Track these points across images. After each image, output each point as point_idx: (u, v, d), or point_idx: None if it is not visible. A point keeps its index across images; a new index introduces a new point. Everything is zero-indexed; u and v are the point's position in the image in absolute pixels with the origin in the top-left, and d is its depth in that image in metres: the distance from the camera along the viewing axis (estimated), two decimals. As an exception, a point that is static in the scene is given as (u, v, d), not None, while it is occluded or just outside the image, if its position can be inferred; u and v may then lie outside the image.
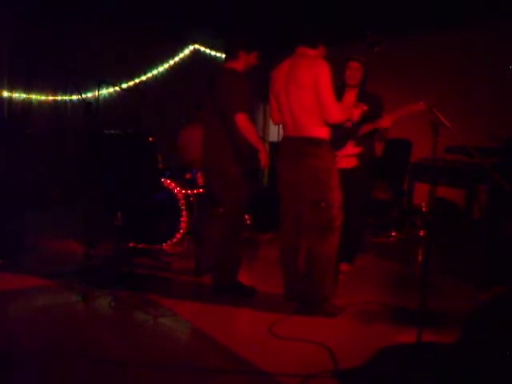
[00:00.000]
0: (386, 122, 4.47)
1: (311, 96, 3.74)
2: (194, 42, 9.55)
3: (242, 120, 4.05)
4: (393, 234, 6.85)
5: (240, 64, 4.26)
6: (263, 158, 4.19)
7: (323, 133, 3.85)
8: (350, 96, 4.68)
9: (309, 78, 3.73)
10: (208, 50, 9.73)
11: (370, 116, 4.46)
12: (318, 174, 3.84)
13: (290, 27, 7.30)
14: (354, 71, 4.67)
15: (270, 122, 10.01)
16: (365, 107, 4.16)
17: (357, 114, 4.09)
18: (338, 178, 3.93)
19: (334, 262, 4.03)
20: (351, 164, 4.65)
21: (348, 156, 4.62)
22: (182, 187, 5.78)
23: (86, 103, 4.45)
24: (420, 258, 5.92)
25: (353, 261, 4.98)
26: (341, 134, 4.44)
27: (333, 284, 4.12)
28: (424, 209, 6.68)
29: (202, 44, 9.65)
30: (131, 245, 5.50)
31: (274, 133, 9.24)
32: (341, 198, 3.93)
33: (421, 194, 6.57)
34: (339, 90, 4.62)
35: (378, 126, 4.52)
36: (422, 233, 6.61)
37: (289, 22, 7.52)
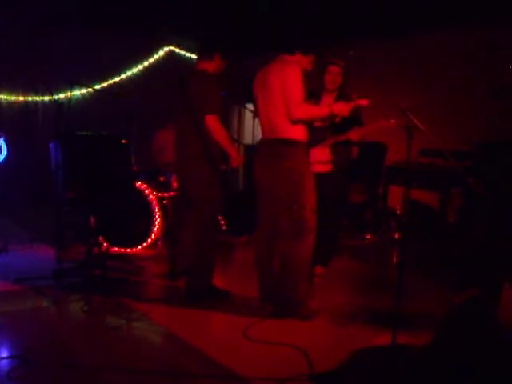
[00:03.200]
0: (354, 135, 4.56)
1: (280, 98, 3.81)
2: (169, 44, 9.52)
3: (212, 122, 4.05)
4: (368, 236, 6.89)
5: (212, 66, 4.26)
6: (234, 160, 4.20)
7: (298, 134, 3.87)
8: (328, 100, 4.66)
9: (278, 80, 3.81)
10: (183, 52, 9.70)
11: (348, 121, 4.45)
12: (291, 176, 3.85)
13: (268, 29, 7.36)
14: (334, 75, 4.66)
15: (245, 124, 10.12)
16: (364, 102, 4.03)
17: (348, 108, 3.94)
18: (311, 180, 3.94)
19: (309, 264, 4.03)
20: (326, 169, 4.67)
21: (322, 162, 4.63)
22: (156, 190, 5.76)
23: (57, 104, 4.40)
24: (395, 260, 5.96)
25: (328, 264, 4.99)
26: (316, 134, 4.44)
27: (308, 287, 4.11)
28: (399, 211, 6.74)
29: (176, 46, 9.63)
30: (104, 248, 5.46)
31: (249, 135, 9.25)
32: (314, 201, 3.94)
33: (396, 197, 6.63)
34: (317, 95, 4.67)
35: (344, 139, 4.59)
36: (396, 235, 6.66)
37: (264, 26, 7.57)
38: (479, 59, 6.43)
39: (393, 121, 4.17)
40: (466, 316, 2.64)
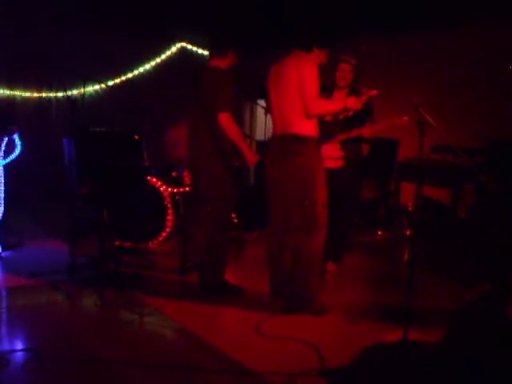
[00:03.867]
0: (366, 131, 4.57)
1: (296, 93, 3.81)
2: (180, 40, 9.53)
3: (225, 119, 4.05)
4: (379, 233, 6.88)
5: (225, 62, 4.27)
6: (248, 157, 4.19)
7: (309, 130, 3.88)
8: (340, 96, 4.64)
9: (294, 75, 3.81)
10: (195, 48, 9.71)
11: (359, 117, 4.48)
12: (302, 173, 3.87)
13: (279, 26, 7.35)
14: (345, 73, 4.66)
15: (257, 120, 10.12)
16: (373, 92, 4.03)
17: (361, 102, 3.96)
18: (323, 176, 3.96)
19: (321, 260, 4.04)
20: (337, 164, 4.66)
21: (333, 158, 4.62)
22: (168, 185, 5.78)
23: (71, 100, 4.44)
24: (406, 257, 5.96)
25: (340, 260, 4.99)
26: (327, 129, 4.44)
27: (319, 282, 4.12)
28: (410, 208, 6.73)
29: (189, 42, 9.63)
30: (117, 243, 5.50)
31: (261, 131, 9.25)
32: (325, 197, 3.95)
33: (407, 194, 6.62)
34: (328, 90, 4.67)
35: (356, 135, 4.57)
36: (408, 232, 6.65)
37: (279, 21, 7.54)
38: (492, 57, 6.38)
39: (406, 118, 4.16)
40: (477, 313, 2.64)
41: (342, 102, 3.93)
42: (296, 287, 4.01)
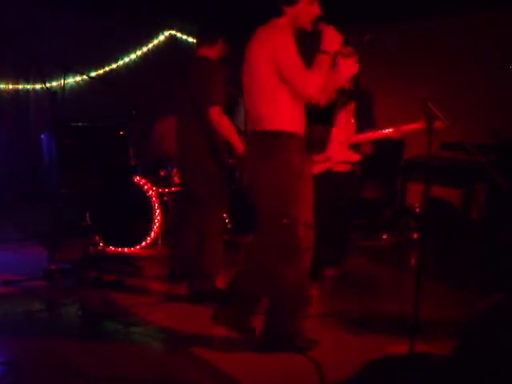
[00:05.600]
0: (393, 134, 4.44)
1: (267, 77, 3.19)
2: (169, 28, 9.51)
3: (215, 114, 4.04)
4: (384, 236, 6.88)
5: (215, 51, 4.26)
6: (242, 155, 4.16)
7: (288, 124, 3.27)
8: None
9: (263, 53, 3.18)
10: (185, 37, 9.70)
11: (361, 113, 4.47)
12: (279, 180, 3.26)
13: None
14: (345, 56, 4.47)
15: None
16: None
17: (350, 70, 3.79)
18: (309, 185, 3.43)
19: (303, 290, 3.52)
20: (345, 168, 4.61)
21: (344, 162, 4.58)
22: (156, 185, 5.77)
23: (51, 93, 4.41)
24: (413, 262, 5.96)
25: (340, 265, 4.99)
26: (318, 134, 4.38)
27: (303, 313, 3.59)
28: (418, 209, 6.73)
29: (178, 30, 9.61)
30: (100, 247, 5.48)
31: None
32: (311, 213, 3.43)
33: (414, 194, 6.62)
34: None
35: (381, 137, 4.48)
36: (415, 235, 6.65)
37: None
38: (507, 48, 6.39)
39: (439, 124, 3.60)
40: (491, 323, 2.63)
41: (322, 57, 3.19)
42: (273, 324, 3.52)
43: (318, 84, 3.15)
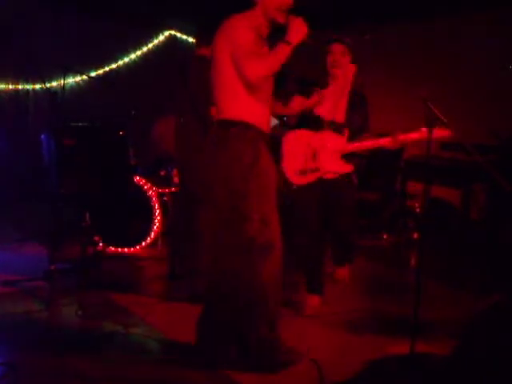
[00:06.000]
0: (390, 143, 3.91)
1: (230, 65, 3.10)
2: (169, 28, 9.50)
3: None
4: (384, 236, 6.87)
5: None
6: None
7: (246, 114, 3.16)
8: (335, 89, 4.10)
9: (224, 43, 3.13)
10: (185, 37, 9.68)
11: (354, 118, 4.08)
12: (232, 171, 3.13)
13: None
14: (338, 56, 4.03)
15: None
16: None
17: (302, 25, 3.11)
18: (269, 180, 3.22)
19: (270, 294, 3.21)
20: (333, 175, 4.12)
21: (336, 173, 4.12)
22: (156, 185, 5.76)
23: (51, 93, 4.40)
24: (413, 262, 5.95)
25: (351, 262, 4.77)
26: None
27: (277, 321, 3.33)
28: (417, 209, 6.72)
29: (178, 30, 9.60)
30: (100, 248, 5.47)
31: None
32: (268, 210, 3.19)
33: (414, 194, 6.61)
34: (322, 84, 4.08)
35: (378, 146, 4.00)
36: (415, 235, 6.64)
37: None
38: (507, 48, 6.38)
39: (447, 132, 3.45)
40: (491, 323, 2.62)
41: (283, 45, 3.05)
42: (244, 331, 3.26)
43: (261, 71, 3.04)
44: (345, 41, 4.04)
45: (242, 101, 3.14)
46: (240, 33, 3.08)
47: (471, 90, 6.61)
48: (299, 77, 4.01)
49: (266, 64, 3.06)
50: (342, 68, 4.05)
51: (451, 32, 6.91)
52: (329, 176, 4.06)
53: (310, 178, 4.06)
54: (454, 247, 5.90)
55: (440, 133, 3.38)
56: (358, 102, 4.11)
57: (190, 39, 9.63)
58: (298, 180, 4.09)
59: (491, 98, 6.43)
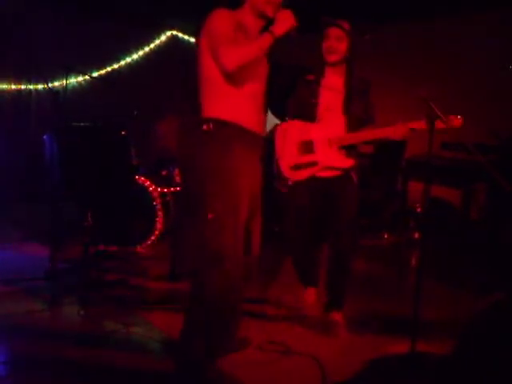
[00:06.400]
0: (396, 134, 3.61)
1: (210, 60, 2.97)
2: (171, 28, 9.50)
3: None
4: (385, 236, 6.87)
5: None
6: None
7: (223, 112, 2.99)
8: (334, 79, 3.81)
9: (204, 38, 3.01)
10: (187, 37, 9.68)
11: (353, 107, 3.78)
12: (202, 170, 2.96)
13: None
14: (334, 41, 3.69)
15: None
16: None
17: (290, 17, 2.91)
18: (230, 181, 2.95)
19: (213, 315, 2.98)
20: (332, 174, 3.82)
21: (333, 168, 3.81)
22: (158, 185, 5.76)
23: (53, 93, 4.41)
24: (413, 262, 5.95)
25: (342, 306, 4.02)
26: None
27: (222, 351, 3.15)
28: (418, 209, 6.72)
29: (180, 30, 9.60)
30: (102, 247, 5.47)
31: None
32: (226, 211, 2.91)
33: (415, 194, 6.60)
34: (318, 71, 3.82)
35: (382, 137, 3.69)
36: (416, 235, 6.64)
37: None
38: (507, 48, 6.38)
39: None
40: (491, 323, 2.62)
41: (266, 35, 2.93)
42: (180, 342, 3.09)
43: (238, 58, 2.86)
44: (343, 26, 3.70)
45: (221, 97, 2.99)
46: (217, 21, 2.94)
47: (471, 89, 6.61)
48: (293, 65, 3.83)
49: (244, 51, 2.89)
50: (338, 55, 3.72)
51: (451, 32, 6.91)
52: (326, 174, 3.78)
53: (308, 172, 3.80)
54: (454, 247, 5.90)
55: (440, 125, 3.29)
56: (360, 89, 3.82)
57: (192, 39, 9.62)
58: (294, 175, 3.83)
59: (491, 97, 6.43)
